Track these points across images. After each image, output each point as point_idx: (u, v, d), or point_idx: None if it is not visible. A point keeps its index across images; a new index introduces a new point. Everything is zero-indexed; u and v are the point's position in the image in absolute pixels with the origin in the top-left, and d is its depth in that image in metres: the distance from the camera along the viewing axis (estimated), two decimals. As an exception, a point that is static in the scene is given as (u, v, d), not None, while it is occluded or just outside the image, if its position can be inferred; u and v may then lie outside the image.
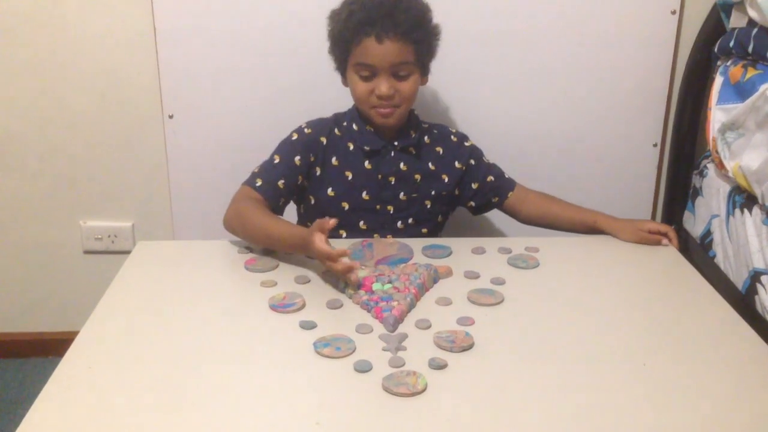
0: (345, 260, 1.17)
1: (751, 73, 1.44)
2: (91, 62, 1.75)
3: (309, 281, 1.23)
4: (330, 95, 1.68)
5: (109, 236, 1.91)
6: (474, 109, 1.77)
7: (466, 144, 1.55)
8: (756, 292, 1.32)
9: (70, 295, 1.96)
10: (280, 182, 1.41)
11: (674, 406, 0.92)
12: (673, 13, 1.71)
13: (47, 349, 1.97)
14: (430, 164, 1.50)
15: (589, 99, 1.78)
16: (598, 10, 1.70)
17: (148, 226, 1.91)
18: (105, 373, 0.97)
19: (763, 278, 1.31)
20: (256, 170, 1.43)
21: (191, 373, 0.97)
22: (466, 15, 1.68)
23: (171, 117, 1.77)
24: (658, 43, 1.73)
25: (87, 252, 1.93)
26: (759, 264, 1.33)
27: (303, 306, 1.14)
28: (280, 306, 1.13)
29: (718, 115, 1.53)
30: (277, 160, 1.43)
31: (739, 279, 1.41)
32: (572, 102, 1.78)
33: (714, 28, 1.66)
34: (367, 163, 1.46)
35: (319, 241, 1.18)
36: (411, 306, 1.14)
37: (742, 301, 1.34)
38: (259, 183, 1.40)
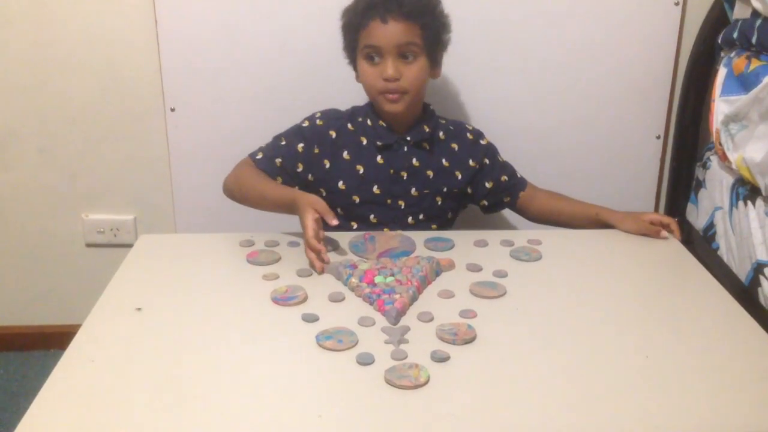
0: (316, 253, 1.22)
1: (755, 64, 1.43)
2: (93, 55, 1.75)
3: (311, 274, 1.23)
4: (332, 89, 1.68)
5: (111, 229, 1.91)
6: (476, 100, 1.77)
7: (482, 142, 1.54)
8: (759, 284, 1.32)
9: (73, 288, 1.96)
10: (278, 160, 1.44)
11: (677, 398, 0.92)
12: (677, 4, 1.70)
13: (49, 342, 1.97)
14: (443, 160, 1.49)
15: (592, 91, 1.77)
16: (602, 1, 1.69)
17: (150, 220, 1.91)
18: (107, 366, 0.97)
19: (766, 270, 1.30)
20: (263, 145, 1.48)
21: (193, 366, 0.97)
22: (470, 6, 1.67)
23: (173, 110, 1.76)
24: (662, 35, 1.73)
25: (89, 245, 1.93)
26: (762, 256, 1.32)
27: (305, 299, 1.14)
28: (282, 299, 1.13)
29: (721, 106, 1.53)
30: (282, 142, 1.47)
31: (742, 271, 1.40)
32: (575, 94, 1.77)
33: (717, 20, 1.65)
34: (379, 158, 1.46)
35: (311, 222, 1.22)
36: (413, 299, 1.14)
37: (745, 293, 1.34)
38: (259, 156, 1.45)
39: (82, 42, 1.73)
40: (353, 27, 1.41)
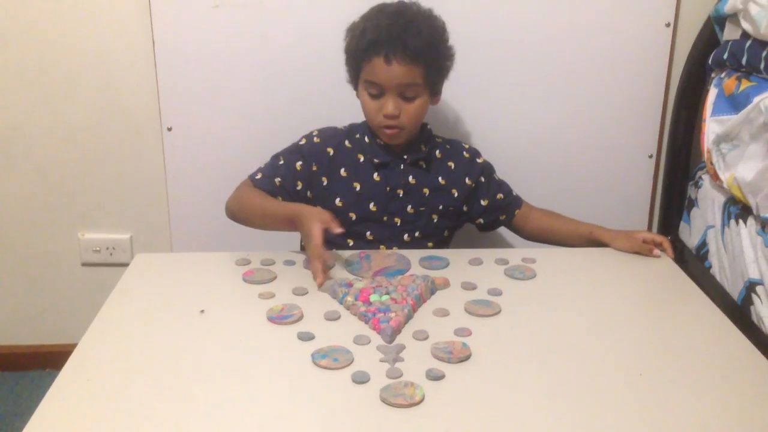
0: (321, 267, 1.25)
1: (745, 85, 1.45)
2: (90, 75, 1.76)
3: (307, 293, 1.23)
4: (329, 107, 1.69)
5: (107, 248, 1.91)
6: (469, 119, 1.78)
7: (478, 160, 1.55)
8: (751, 303, 1.33)
9: (68, 307, 1.96)
10: (277, 179, 1.45)
11: (671, 416, 0.92)
12: (668, 25, 1.72)
13: (45, 361, 1.97)
14: (440, 179, 1.50)
15: (585, 111, 1.79)
16: (594, 23, 1.71)
17: (146, 239, 1.91)
18: (103, 386, 0.97)
19: (759, 288, 1.31)
20: (261, 165, 1.49)
21: (189, 385, 0.97)
22: (463, 27, 1.69)
23: (170, 130, 1.77)
24: (653, 56, 1.75)
25: (85, 264, 1.93)
26: (754, 274, 1.33)
27: (301, 317, 1.14)
28: (278, 317, 1.14)
29: (712, 126, 1.54)
30: (281, 162, 1.47)
31: (734, 289, 1.41)
32: (568, 114, 1.79)
33: (708, 41, 1.67)
34: (376, 175, 1.47)
35: (318, 231, 1.24)
36: (408, 317, 1.15)
37: (737, 311, 1.34)
38: (258, 176, 1.46)
39: (79, 62, 1.75)
40: (356, 56, 1.40)
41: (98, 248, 1.91)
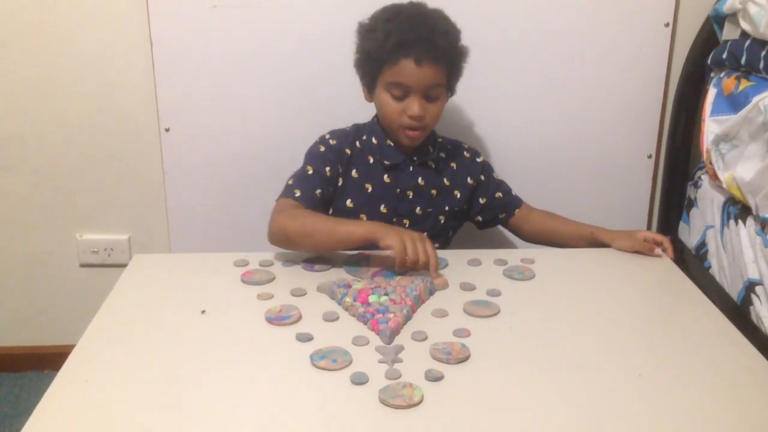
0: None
1: (744, 84, 1.45)
2: (88, 75, 1.76)
3: (305, 294, 1.23)
4: (327, 108, 1.69)
5: (105, 249, 1.91)
6: (468, 120, 1.78)
7: (478, 160, 1.56)
8: (751, 303, 1.33)
9: (67, 308, 1.96)
10: (317, 192, 1.42)
11: (670, 417, 0.92)
12: (667, 25, 1.72)
13: (43, 362, 1.96)
14: (445, 180, 1.51)
15: (583, 111, 1.79)
16: (592, 23, 1.71)
17: (144, 240, 1.91)
18: (102, 387, 0.97)
19: (758, 289, 1.31)
20: (290, 182, 1.43)
21: (188, 386, 0.97)
22: (461, 28, 1.69)
23: (167, 130, 1.77)
24: (652, 56, 1.75)
25: (83, 265, 1.93)
26: (753, 274, 1.33)
27: (299, 318, 1.14)
28: (277, 318, 1.13)
29: (711, 126, 1.54)
30: (310, 171, 1.44)
31: (734, 290, 1.41)
32: (567, 114, 1.79)
33: (707, 41, 1.67)
34: (386, 177, 1.47)
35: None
36: (407, 318, 1.15)
37: (737, 312, 1.35)
38: (298, 194, 1.40)
39: (77, 62, 1.74)
40: (379, 59, 1.39)
41: (96, 249, 1.91)
